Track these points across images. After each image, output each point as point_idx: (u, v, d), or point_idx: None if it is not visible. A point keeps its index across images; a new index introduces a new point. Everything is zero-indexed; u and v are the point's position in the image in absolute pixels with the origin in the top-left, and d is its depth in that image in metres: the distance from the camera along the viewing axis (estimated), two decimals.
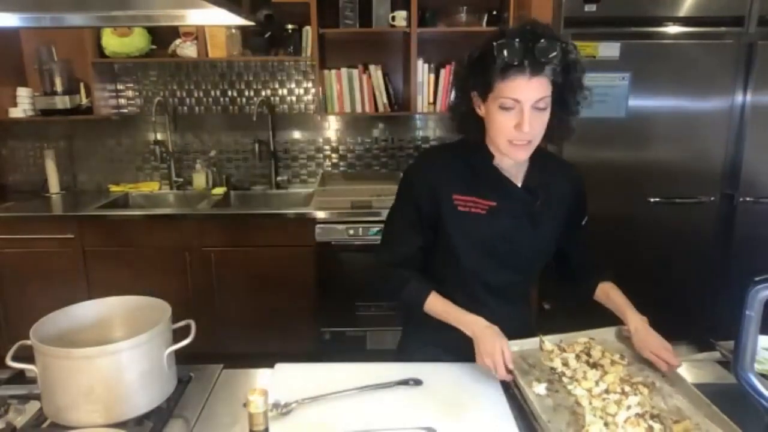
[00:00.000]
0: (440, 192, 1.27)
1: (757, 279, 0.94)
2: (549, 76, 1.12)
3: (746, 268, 2.58)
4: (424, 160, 1.38)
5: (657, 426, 1.00)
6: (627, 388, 1.10)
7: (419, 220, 1.29)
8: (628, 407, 1.04)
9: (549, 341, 1.27)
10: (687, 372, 1.29)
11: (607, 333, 1.36)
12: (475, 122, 1.24)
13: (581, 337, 1.31)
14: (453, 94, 1.30)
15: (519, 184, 1.29)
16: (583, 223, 1.41)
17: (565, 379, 1.16)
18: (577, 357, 1.23)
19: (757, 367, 1.01)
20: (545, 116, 1.16)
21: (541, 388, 1.12)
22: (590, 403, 1.07)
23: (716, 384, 1.23)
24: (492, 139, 1.21)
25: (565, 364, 1.20)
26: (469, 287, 1.31)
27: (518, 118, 1.13)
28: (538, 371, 1.20)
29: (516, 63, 1.09)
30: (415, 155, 3.32)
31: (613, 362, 1.20)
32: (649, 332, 1.25)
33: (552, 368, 1.20)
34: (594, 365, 1.20)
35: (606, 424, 1.00)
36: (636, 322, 1.28)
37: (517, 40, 1.10)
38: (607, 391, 1.10)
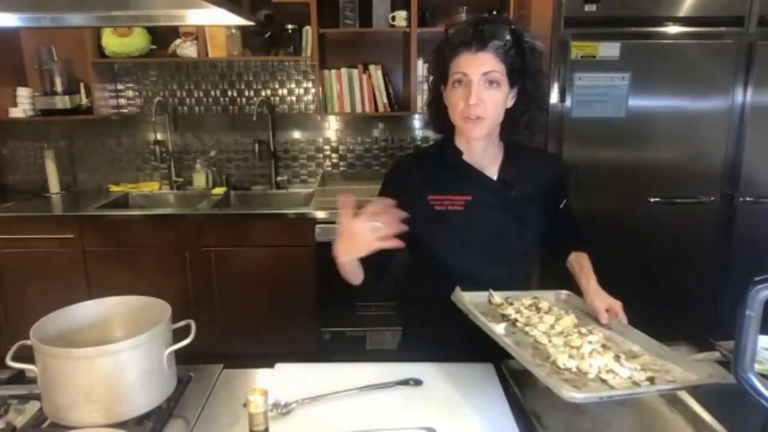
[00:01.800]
0: (414, 197, 1.27)
1: (757, 279, 0.94)
2: (496, 52, 1.19)
3: (746, 268, 2.58)
4: (396, 167, 1.40)
5: (623, 356, 1.02)
6: (583, 330, 1.14)
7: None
8: (590, 342, 1.07)
9: (498, 296, 1.29)
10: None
11: (548, 295, 1.37)
12: (444, 115, 1.29)
13: (527, 297, 1.31)
14: (429, 94, 1.37)
15: (494, 176, 1.31)
16: (562, 206, 1.42)
17: (519, 324, 1.18)
18: (527, 309, 1.25)
19: (757, 367, 1.01)
20: (497, 95, 1.20)
21: (500, 328, 1.14)
22: (550, 341, 1.09)
23: (716, 384, 1.22)
24: (454, 123, 1.27)
25: (518, 312, 1.22)
26: (455, 283, 1.28)
27: (466, 92, 1.20)
28: (490, 317, 1.20)
29: (463, 41, 1.19)
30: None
31: (560, 316, 1.22)
32: (598, 291, 1.30)
33: (504, 315, 1.21)
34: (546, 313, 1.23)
35: (571, 356, 1.02)
36: (586, 285, 1.31)
37: (476, 19, 1.22)
38: (562, 333, 1.12)
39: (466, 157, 1.31)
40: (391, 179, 1.36)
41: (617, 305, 1.24)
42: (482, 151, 1.31)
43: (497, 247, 1.31)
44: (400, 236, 1.19)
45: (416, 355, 1.32)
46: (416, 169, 1.33)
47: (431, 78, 1.32)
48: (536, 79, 1.25)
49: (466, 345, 1.21)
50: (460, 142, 1.33)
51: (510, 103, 1.25)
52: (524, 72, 1.22)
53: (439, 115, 1.32)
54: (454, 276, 1.30)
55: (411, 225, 1.19)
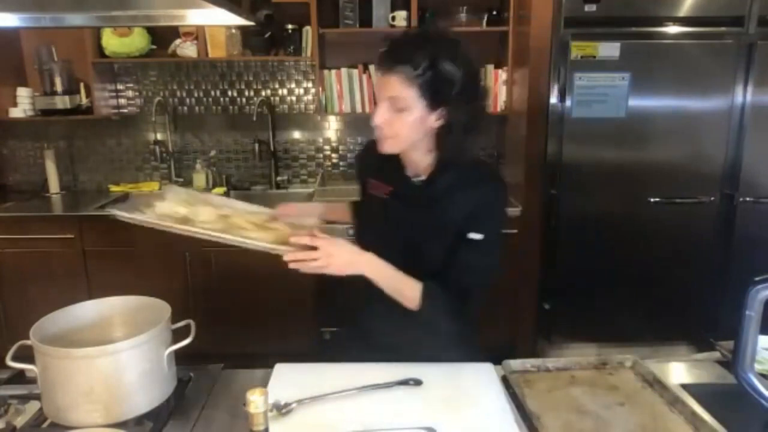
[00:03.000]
0: (363, 177, 1.40)
1: (757, 279, 0.94)
2: (405, 77, 1.12)
3: (746, 268, 2.58)
4: (359, 153, 1.50)
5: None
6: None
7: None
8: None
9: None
10: (687, 372, 1.29)
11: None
12: None
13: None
14: None
15: (422, 177, 1.28)
16: (472, 236, 1.21)
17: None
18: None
19: (757, 367, 1.01)
20: (406, 118, 1.15)
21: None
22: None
23: (716, 384, 1.23)
24: None
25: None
26: None
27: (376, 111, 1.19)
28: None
29: (379, 60, 1.16)
30: None
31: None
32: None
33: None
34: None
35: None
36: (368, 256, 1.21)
37: (398, 37, 1.17)
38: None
39: (402, 152, 1.28)
40: (355, 167, 1.55)
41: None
42: (407, 155, 1.27)
43: (409, 245, 1.26)
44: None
45: (344, 356, 1.30)
46: (367, 154, 1.39)
47: None
48: (459, 105, 1.15)
49: (394, 344, 1.25)
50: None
51: (436, 123, 1.17)
52: (444, 97, 1.13)
53: None
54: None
55: (359, 207, 1.39)
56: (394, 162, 1.29)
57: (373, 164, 1.35)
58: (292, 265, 1.10)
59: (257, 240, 1.16)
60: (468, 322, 1.31)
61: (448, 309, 1.21)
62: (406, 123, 1.16)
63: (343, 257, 1.13)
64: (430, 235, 1.26)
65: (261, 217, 1.33)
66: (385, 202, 1.32)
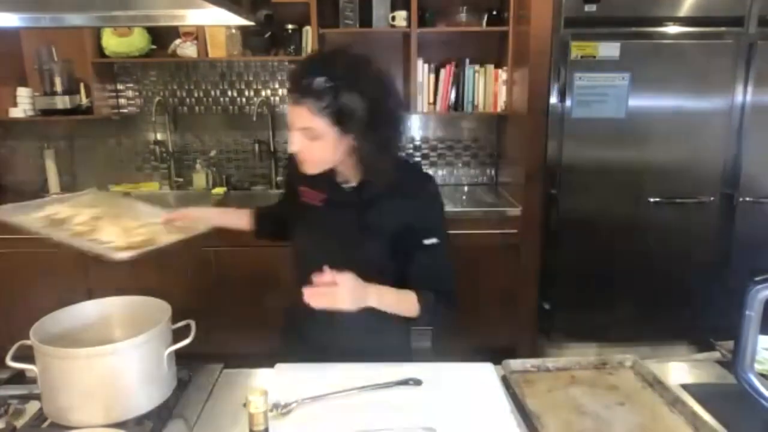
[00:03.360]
0: (293, 186, 1.40)
1: (757, 279, 0.94)
2: (312, 108, 1.13)
3: (746, 268, 2.58)
4: (289, 158, 1.45)
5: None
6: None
7: (286, 208, 1.49)
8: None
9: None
10: (687, 372, 1.29)
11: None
12: None
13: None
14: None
15: (352, 185, 1.29)
16: (427, 242, 1.28)
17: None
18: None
19: (757, 367, 1.01)
20: (320, 145, 1.17)
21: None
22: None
23: (716, 384, 1.23)
24: None
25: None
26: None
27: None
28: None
29: (289, 89, 1.18)
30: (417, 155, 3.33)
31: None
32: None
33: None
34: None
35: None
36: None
37: (297, 68, 1.17)
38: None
39: None
40: (285, 176, 1.52)
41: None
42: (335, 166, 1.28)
43: (343, 253, 1.26)
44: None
45: (291, 358, 1.31)
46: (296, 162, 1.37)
47: None
48: (367, 133, 1.16)
49: (337, 348, 1.26)
50: None
51: (353, 143, 1.18)
52: (351, 127, 1.15)
53: None
54: (307, 270, 1.29)
55: (290, 213, 1.40)
56: (324, 171, 1.28)
57: (303, 173, 1.31)
58: (307, 299, 1.11)
59: (88, 243, 1.31)
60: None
61: (440, 313, 1.29)
62: (322, 149, 1.19)
63: (356, 293, 1.14)
64: (365, 239, 1.28)
65: (149, 222, 1.42)
66: (319, 210, 1.32)
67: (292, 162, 1.39)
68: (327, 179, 1.29)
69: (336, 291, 1.10)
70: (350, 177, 1.29)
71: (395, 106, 1.23)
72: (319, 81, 1.11)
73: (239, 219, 1.56)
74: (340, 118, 1.14)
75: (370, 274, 1.21)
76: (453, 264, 1.33)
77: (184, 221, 1.47)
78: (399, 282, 1.28)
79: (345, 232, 1.28)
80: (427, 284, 1.28)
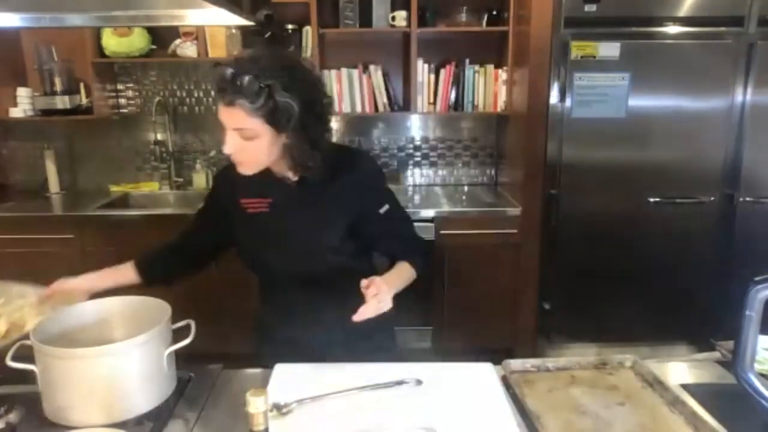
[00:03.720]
0: (230, 201, 1.36)
1: (757, 279, 0.94)
2: (245, 109, 1.12)
3: (746, 268, 2.58)
4: (216, 176, 1.48)
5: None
6: None
7: (208, 229, 1.48)
8: None
9: None
10: (687, 372, 1.29)
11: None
12: None
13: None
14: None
15: (292, 180, 1.30)
16: (382, 211, 1.35)
17: None
18: None
19: (757, 367, 1.01)
20: (257, 145, 1.17)
21: None
22: None
23: (716, 384, 1.23)
24: None
25: None
26: (283, 281, 1.37)
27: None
28: None
29: (219, 90, 1.13)
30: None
31: None
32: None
33: None
34: None
35: None
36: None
37: (228, 69, 1.13)
38: None
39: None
40: (211, 190, 1.51)
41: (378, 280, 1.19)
42: (270, 166, 1.28)
43: (305, 244, 1.32)
44: (226, 241, 1.43)
45: (271, 360, 1.31)
46: (229, 176, 1.34)
47: None
48: (300, 132, 1.19)
49: (318, 343, 1.29)
50: None
51: (287, 141, 1.20)
52: (286, 126, 1.16)
53: None
54: (275, 274, 1.38)
55: (232, 229, 1.36)
56: (259, 175, 1.28)
57: (237, 185, 1.33)
58: (362, 316, 1.14)
59: None
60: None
61: (429, 262, 1.41)
62: (257, 149, 1.19)
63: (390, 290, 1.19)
64: (324, 227, 1.31)
65: (27, 302, 1.38)
66: (269, 214, 1.32)
67: (222, 179, 1.43)
68: (267, 182, 1.30)
69: (381, 297, 1.14)
70: (286, 173, 1.30)
71: (327, 104, 1.25)
72: (253, 81, 1.11)
73: (122, 276, 1.45)
74: (275, 118, 1.14)
75: (329, 257, 1.31)
76: (407, 215, 1.44)
77: (60, 296, 1.38)
78: (355, 257, 1.36)
79: (303, 226, 1.31)
80: (402, 246, 1.38)
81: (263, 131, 1.16)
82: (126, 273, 1.46)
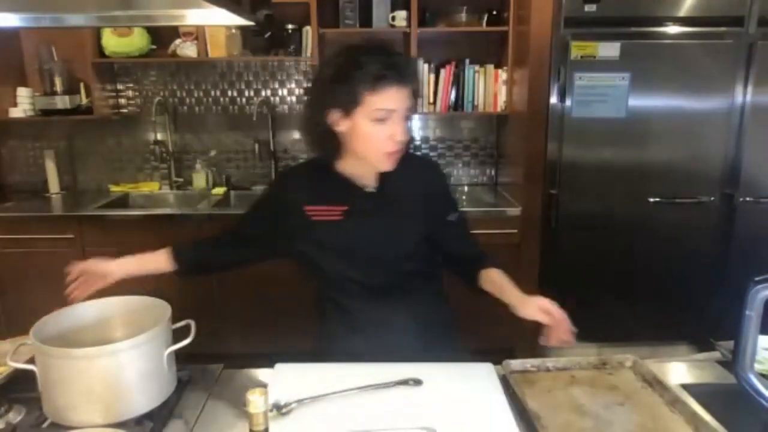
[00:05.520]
0: (291, 209, 1.30)
1: (757, 279, 0.94)
2: (413, 87, 1.19)
3: (746, 268, 2.58)
4: (276, 181, 1.46)
5: None
6: None
7: (253, 235, 1.39)
8: None
9: None
10: (687, 372, 1.29)
11: None
12: (332, 139, 1.23)
13: None
14: (308, 113, 1.27)
15: (372, 187, 1.29)
16: (452, 218, 1.38)
17: None
18: None
19: (757, 367, 1.01)
20: (408, 124, 1.22)
21: None
22: None
23: (716, 384, 1.23)
24: (361, 153, 1.22)
25: None
26: (349, 291, 1.33)
27: (392, 129, 1.16)
28: None
29: (387, 73, 1.13)
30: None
31: None
32: (524, 299, 1.21)
33: None
34: None
35: None
36: (513, 300, 1.23)
37: (378, 53, 1.14)
38: None
39: (342, 168, 1.29)
40: (268, 196, 1.41)
41: (555, 310, 1.16)
42: (357, 167, 1.28)
43: (382, 252, 1.30)
44: (282, 249, 1.36)
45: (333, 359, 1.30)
46: (293, 183, 1.34)
47: (321, 99, 1.21)
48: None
49: (385, 353, 1.24)
50: (346, 161, 1.28)
51: None
52: (416, 96, 1.23)
53: (328, 139, 1.23)
54: (341, 284, 1.33)
55: (290, 237, 1.31)
56: (334, 182, 1.28)
57: (304, 191, 1.30)
58: (557, 343, 1.16)
59: None
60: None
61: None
62: (409, 131, 1.23)
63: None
64: (402, 234, 1.30)
65: None
66: (340, 223, 1.28)
67: (288, 183, 1.37)
68: (344, 190, 1.28)
69: (563, 321, 1.15)
70: (367, 178, 1.29)
71: None
72: (413, 61, 1.20)
73: (154, 262, 1.38)
74: (417, 94, 1.22)
75: (404, 265, 1.31)
76: (467, 218, 1.46)
77: (87, 276, 1.34)
78: (426, 262, 1.35)
79: (381, 234, 1.29)
80: (473, 251, 1.39)
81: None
82: (160, 260, 1.39)
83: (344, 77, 1.14)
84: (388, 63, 1.13)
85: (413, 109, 1.23)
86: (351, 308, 1.34)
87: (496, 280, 1.32)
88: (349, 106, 1.16)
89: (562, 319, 1.15)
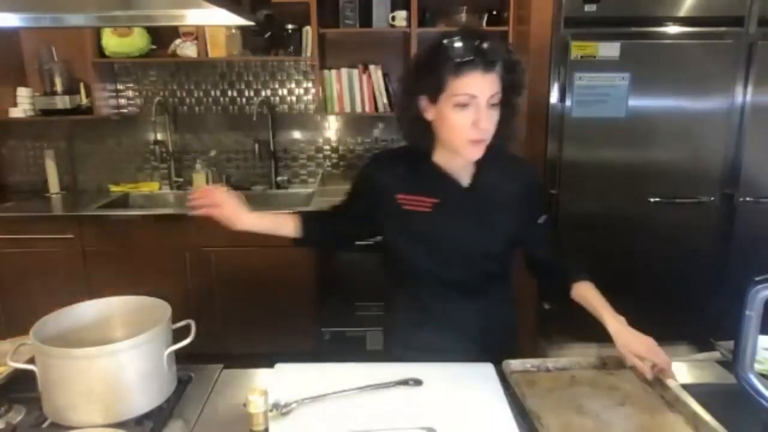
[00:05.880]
0: (383, 193, 1.30)
1: (757, 279, 0.94)
2: (499, 72, 1.14)
3: (746, 268, 2.58)
4: (373, 161, 1.40)
5: None
6: None
7: (354, 213, 1.39)
8: None
9: None
10: (687, 372, 1.29)
11: None
12: (424, 128, 1.23)
13: None
14: (400, 102, 1.28)
15: (466, 182, 1.28)
16: (541, 221, 1.36)
17: None
18: None
19: (757, 367, 1.01)
20: (497, 114, 1.17)
21: None
22: None
23: (716, 384, 1.23)
24: (447, 141, 1.21)
25: None
26: (426, 284, 1.32)
27: (475, 115, 1.14)
28: None
29: (469, 59, 1.11)
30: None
31: None
32: (630, 333, 1.21)
33: None
34: None
35: None
36: (614, 325, 1.23)
37: (465, 39, 1.12)
38: None
39: (438, 160, 1.28)
40: (363, 175, 1.37)
41: (658, 355, 1.15)
42: (451, 161, 1.28)
43: (467, 249, 1.29)
44: (371, 231, 1.37)
45: (402, 359, 1.31)
46: (389, 168, 1.32)
47: (410, 86, 1.22)
48: (521, 95, 1.22)
49: (451, 350, 1.24)
50: (441, 153, 1.28)
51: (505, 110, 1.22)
52: (513, 87, 1.19)
53: (420, 128, 1.23)
54: (420, 275, 1.32)
55: (380, 221, 1.31)
56: (427, 173, 1.27)
57: (397, 179, 1.29)
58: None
59: None
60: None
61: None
62: (495, 122, 1.17)
63: None
64: (490, 232, 1.29)
65: None
66: (430, 215, 1.27)
67: (380, 168, 1.34)
68: (436, 181, 1.27)
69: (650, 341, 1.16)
70: (462, 173, 1.28)
71: None
72: (501, 44, 1.13)
73: (285, 225, 1.38)
74: (513, 78, 1.16)
75: (484, 263, 1.30)
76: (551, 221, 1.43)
77: (216, 205, 1.31)
78: (504, 263, 1.35)
79: (469, 230, 1.28)
80: (560, 254, 1.38)
81: (499, 97, 1.16)
82: (289, 225, 1.37)
83: (430, 63, 1.15)
84: (472, 48, 1.11)
85: (507, 99, 1.17)
86: (423, 300, 1.33)
87: (587, 298, 1.33)
88: (434, 92, 1.16)
89: (667, 360, 1.15)
